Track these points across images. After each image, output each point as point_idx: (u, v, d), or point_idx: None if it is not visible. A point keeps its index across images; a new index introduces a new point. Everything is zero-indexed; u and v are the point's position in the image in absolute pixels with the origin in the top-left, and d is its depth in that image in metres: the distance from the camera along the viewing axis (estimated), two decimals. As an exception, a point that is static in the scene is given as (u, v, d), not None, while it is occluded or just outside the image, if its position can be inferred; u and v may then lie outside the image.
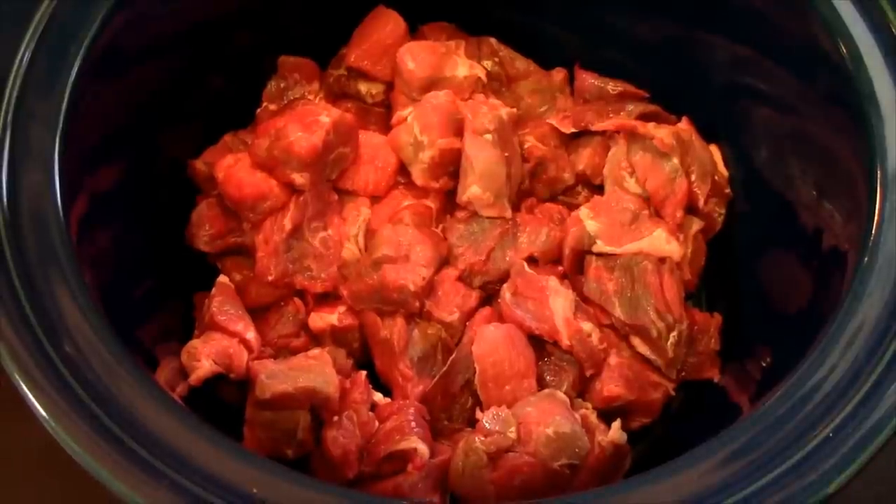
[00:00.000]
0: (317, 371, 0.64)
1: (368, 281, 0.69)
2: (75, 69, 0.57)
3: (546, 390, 0.66)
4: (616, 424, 0.64)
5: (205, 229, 0.72)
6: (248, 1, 0.73)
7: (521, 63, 0.80)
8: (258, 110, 0.77)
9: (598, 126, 0.75)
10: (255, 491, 0.46)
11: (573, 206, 0.75)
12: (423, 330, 0.69)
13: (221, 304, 0.68)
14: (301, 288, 0.71)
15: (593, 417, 0.65)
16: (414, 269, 0.69)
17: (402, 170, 0.75)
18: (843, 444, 0.48)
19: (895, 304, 0.53)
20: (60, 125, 0.56)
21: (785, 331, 0.65)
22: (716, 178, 0.74)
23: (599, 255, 0.71)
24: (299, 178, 0.69)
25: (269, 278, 0.70)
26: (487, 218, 0.73)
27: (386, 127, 0.77)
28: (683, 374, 0.71)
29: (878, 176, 0.57)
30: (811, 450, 0.48)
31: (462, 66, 0.76)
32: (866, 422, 0.49)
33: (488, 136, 0.71)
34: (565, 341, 0.67)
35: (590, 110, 0.77)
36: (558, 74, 0.80)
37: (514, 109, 0.75)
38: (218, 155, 0.73)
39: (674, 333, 0.68)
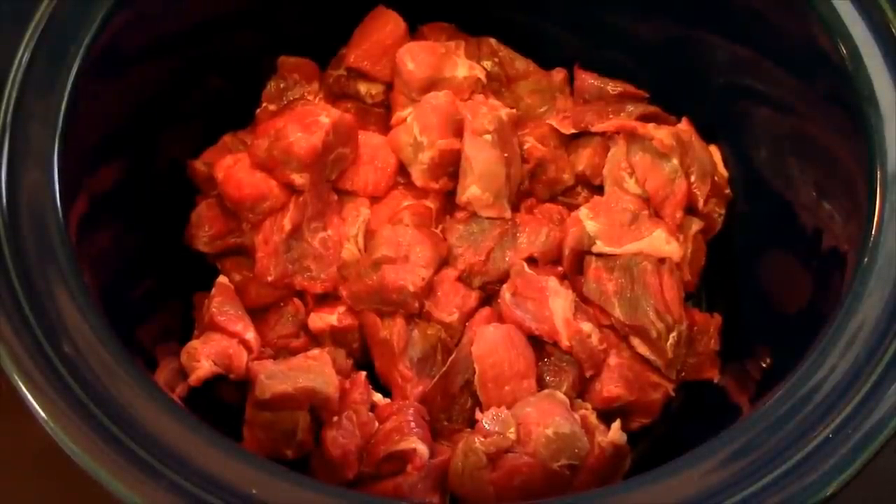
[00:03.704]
0: (316, 371, 0.64)
1: (368, 281, 0.69)
2: (75, 69, 0.57)
3: (546, 391, 0.66)
4: (616, 425, 0.64)
5: (204, 230, 0.72)
6: (248, 1, 0.73)
7: (520, 63, 0.80)
8: (258, 110, 0.77)
9: (597, 127, 0.75)
10: (254, 491, 0.46)
11: (573, 207, 0.75)
12: (423, 330, 0.69)
13: (221, 305, 0.68)
14: (301, 288, 0.71)
15: (593, 418, 0.65)
16: (413, 270, 0.69)
17: (402, 170, 0.75)
18: (843, 445, 0.48)
19: (895, 304, 0.53)
20: (60, 125, 0.56)
21: (785, 331, 0.65)
22: (715, 178, 0.74)
23: (599, 255, 0.71)
24: (299, 179, 0.69)
25: (269, 279, 0.70)
26: (487, 218, 0.73)
27: (386, 127, 0.77)
28: (683, 374, 0.71)
29: (878, 176, 0.57)
30: (811, 450, 0.48)
31: (462, 67, 0.76)
32: (866, 422, 0.49)
33: (488, 137, 0.71)
34: (565, 342, 0.67)
35: (590, 111, 0.77)
36: (558, 75, 0.80)
37: (514, 110, 0.75)
38: (217, 155, 0.73)
39: (673, 334, 0.68)
